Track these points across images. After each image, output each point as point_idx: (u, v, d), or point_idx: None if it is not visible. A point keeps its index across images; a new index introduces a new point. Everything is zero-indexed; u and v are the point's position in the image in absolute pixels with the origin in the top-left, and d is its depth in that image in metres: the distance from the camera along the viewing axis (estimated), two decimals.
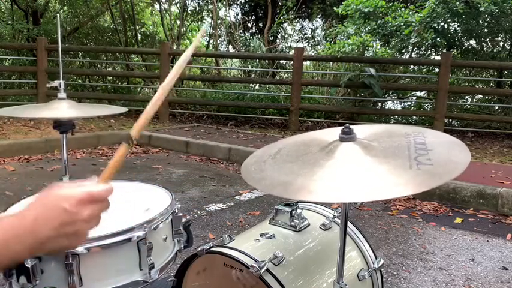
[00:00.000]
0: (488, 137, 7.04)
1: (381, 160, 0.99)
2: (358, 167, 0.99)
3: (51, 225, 0.69)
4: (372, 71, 6.60)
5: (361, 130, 1.15)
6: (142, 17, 12.00)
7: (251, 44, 9.35)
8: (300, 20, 11.77)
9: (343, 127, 1.09)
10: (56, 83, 1.77)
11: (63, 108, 1.68)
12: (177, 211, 1.37)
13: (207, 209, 3.51)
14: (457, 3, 6.15)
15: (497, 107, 7.99)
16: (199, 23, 12.40)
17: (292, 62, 7.27)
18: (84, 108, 1.77)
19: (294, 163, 1.07)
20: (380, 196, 0.90)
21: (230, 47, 10.93)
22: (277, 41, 11.35)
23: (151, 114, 0.81)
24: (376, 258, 1.46)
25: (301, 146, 1.16)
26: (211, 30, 10.58)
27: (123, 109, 1.83)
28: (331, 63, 8.43)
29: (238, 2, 11.92)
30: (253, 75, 9.70)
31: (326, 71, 8.66)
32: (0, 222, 0.71)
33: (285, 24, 11.54)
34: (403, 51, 7.78)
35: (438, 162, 0.96)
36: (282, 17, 10.52)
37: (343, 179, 0.96)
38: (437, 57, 7.62)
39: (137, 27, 10.96)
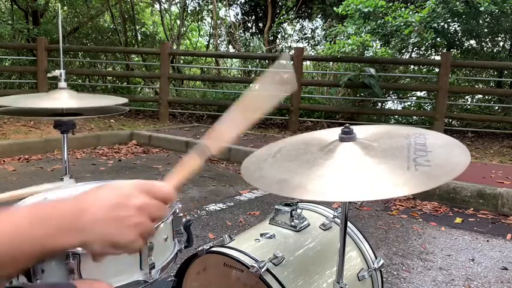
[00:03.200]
0: (488, 137, 7.04)
1: (380, 160, 0.99)
2: (356, 166, 1.00)
3: (103, 204, 0.63)
4: (372, 71, 6.60)
5: (362, 130, 1.15)
6: (142, 17, 12.00)
7: (251, 44, 9.35)
8: (300, 20, 11.76)
9: (343, 127, 1.09)
10: (56, 73, 1.77)
11: (64, 99, 1.67)
12: (177, 211, 1.37)
13: (207, 209, 3.51)
14: (457, 3, 6.15)
15: (497, 107, 8.00)
16: (199, 23, 12.40)
17: (292, 62, 7.27)
18: (84, 99, 1.76)
19: (293, 162, 1.07)
20: (376, 196, 0.90)
21: (230, 47, 10.93)
22: (277, 41, 11.35)
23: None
24: (376, 258, 1.46)
25: (302, 146, 1.16)
26: (211, 30, 10.58)
27: (124, 100, 1.83)
28: (331, 63, 8.43)
29: (238, 2, 11.91)
30: (253, 75, 9.69)
31: (326, 71, 8.66)
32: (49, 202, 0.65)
33: (285, 24, 11.54)
34: (403, 51, 7.78)
35: (436, 163, 0.96)
36: (282, 17, 10.52)
37: (340, 178, 0.97)
38: (437, 57, 7.62)
39: (137, 27, 10.96)
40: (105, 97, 1.89)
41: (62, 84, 1.74)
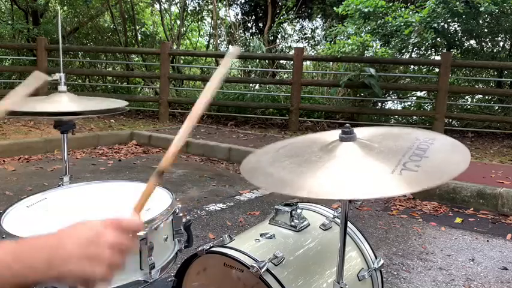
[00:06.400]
0: (488, 137, 7.04)
1: (372, 162, 1.00)
2: (346, 166, 1.00)
3: (76, 241, 0.67)
4: (372, 71, 6.60)
5: (368, 131, 1.15)
6: (142, 17, 11.99)
7: (251, 44, 9.34)
8: (300, 20, 11.76)
9: (343, 127, 1.09)
10: (56, 76, 1.77)
11: (64, 102, 1.68)
12: (177, 211, 1.37)
13: (207, 209, 3.51)
14: (457, 3, 6.15)
15: (497, 107, 7.99)
16: (199, 23, 12.40)
17: (292, 62, 7.27)
18: (84, 102, 1.76)
19: (290, 158, 1.08)
20: (348, 196, 0.93)
21: (230, 47, 10.92)
22: (277, 41, 11.34)
23: (179, 147, 0.81)
24: (376, 258, 1.46)
25: (307, 144, 1.16)
26: (211, 30, 10.57)
27: (124, 102, 1.83)
28: (331, 63, 8.43)
29: (238, 2, 11.91)
30: (253, 75, 9.69)
31: (326, 71, 8.66)
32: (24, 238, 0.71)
33: (285, 24, 11.54)
34: (403, 51, 7.77)
35: (425, 169, 0.95)
36: (282, 17, 10.52)
37: (324, 176, 0.97)
38: (437, 57, 7.61)
39: (137, 27, 10.96)
40: (104, 99, 1.89)
41: (62, 87, 1.74)
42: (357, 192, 0.93)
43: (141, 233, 1.16)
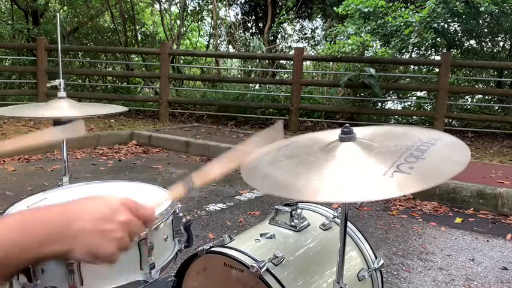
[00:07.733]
0: (488, 137, 7.04)
1: (366, 164, 0.98)
2: (342, 168, 0.99)
3: (89, 215, 0.66)
4: (372, 71, 6.60)
5: (370, 131, 1.14)
6: (142, 17, 12.00)
7: (251, 44, 9.34)
8: (300, 20, 11.76)
9: (343, 127, 1.08)
10: (56, 82, 1.77)
11: (63, 108, 1.68)
12: (177, 211, 1.37)
13: (207, 209, 3.51)
14: (457, 3, 6.15)
15: (497, 107, 8.00)
16: (199, 23, 12.40)
17: (292, 62, 7.27)
18: (84, 108, 1.77)
19: (289, 159, 1.07)
20: (335, 199, 0.93)
21: (230, 47, 10.93)
22: (277, 41, 11.34)
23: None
24: (376, 258, 1.46)
25: (309, 143, 1.15)
26: (211, 30, 10.57)
27: (124, 108, 1.84)
28: (331, 63, 8.43)
29: (238, 2, 11.91)
30: (253, 75, 9.70)
31: (326, 71, 8.66)
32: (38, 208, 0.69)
33: (285, 24, 11.54)
34: (403, 51, 7.78)
35: (419, 171, 0.93)
36: (282, 17, 10.52)
37: (319, 178, 0.96)
38: (437, 57, 7.62)
39: (137, 27, 10.96)
40: (104, 105, 1.90)
41: (61, 93, 1.74)
42: (348, 195, 0.90)
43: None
